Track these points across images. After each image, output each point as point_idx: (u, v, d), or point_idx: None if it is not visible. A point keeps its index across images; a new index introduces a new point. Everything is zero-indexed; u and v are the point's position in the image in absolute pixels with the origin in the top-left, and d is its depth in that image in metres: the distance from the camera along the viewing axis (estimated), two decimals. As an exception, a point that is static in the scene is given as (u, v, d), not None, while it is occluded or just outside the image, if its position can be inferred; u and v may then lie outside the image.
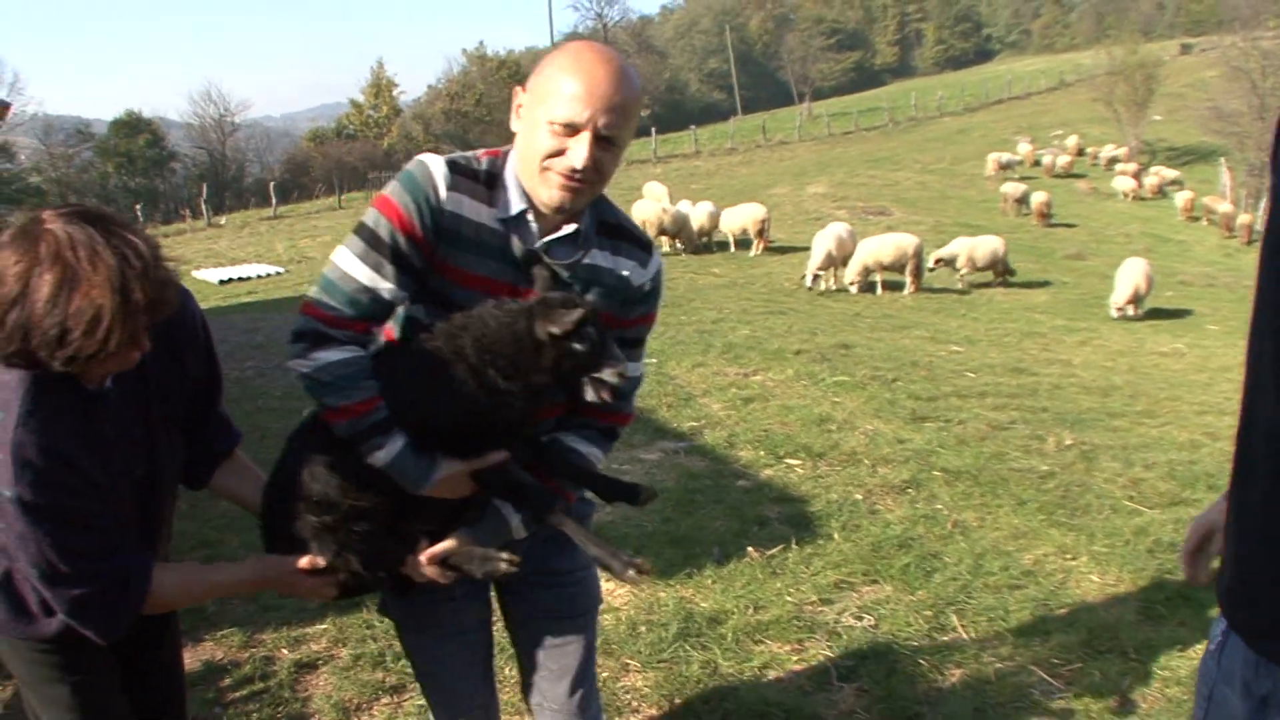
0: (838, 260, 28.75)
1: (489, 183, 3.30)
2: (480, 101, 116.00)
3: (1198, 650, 6.14)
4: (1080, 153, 69.20)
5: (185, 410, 3.60)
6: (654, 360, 14.74)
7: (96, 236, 2.82)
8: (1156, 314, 26.76)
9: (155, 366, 3.32)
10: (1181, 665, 6.09)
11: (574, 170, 3.12)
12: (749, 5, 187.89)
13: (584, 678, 3.85)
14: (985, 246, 29.92)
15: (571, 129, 3.09)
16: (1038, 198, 45.82)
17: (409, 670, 5.72)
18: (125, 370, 3.17)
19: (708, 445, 10.93)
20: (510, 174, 3.31)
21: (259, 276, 33.65)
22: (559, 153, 3.12)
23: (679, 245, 35.61)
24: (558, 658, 3.80)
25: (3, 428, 2.93)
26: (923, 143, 74.52)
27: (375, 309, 3.25)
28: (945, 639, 6.46)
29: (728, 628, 6.56)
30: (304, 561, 3.33)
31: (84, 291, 2.76)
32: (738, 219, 36.04)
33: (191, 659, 6.33)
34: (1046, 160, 63.88)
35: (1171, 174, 61.09)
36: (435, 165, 3.25)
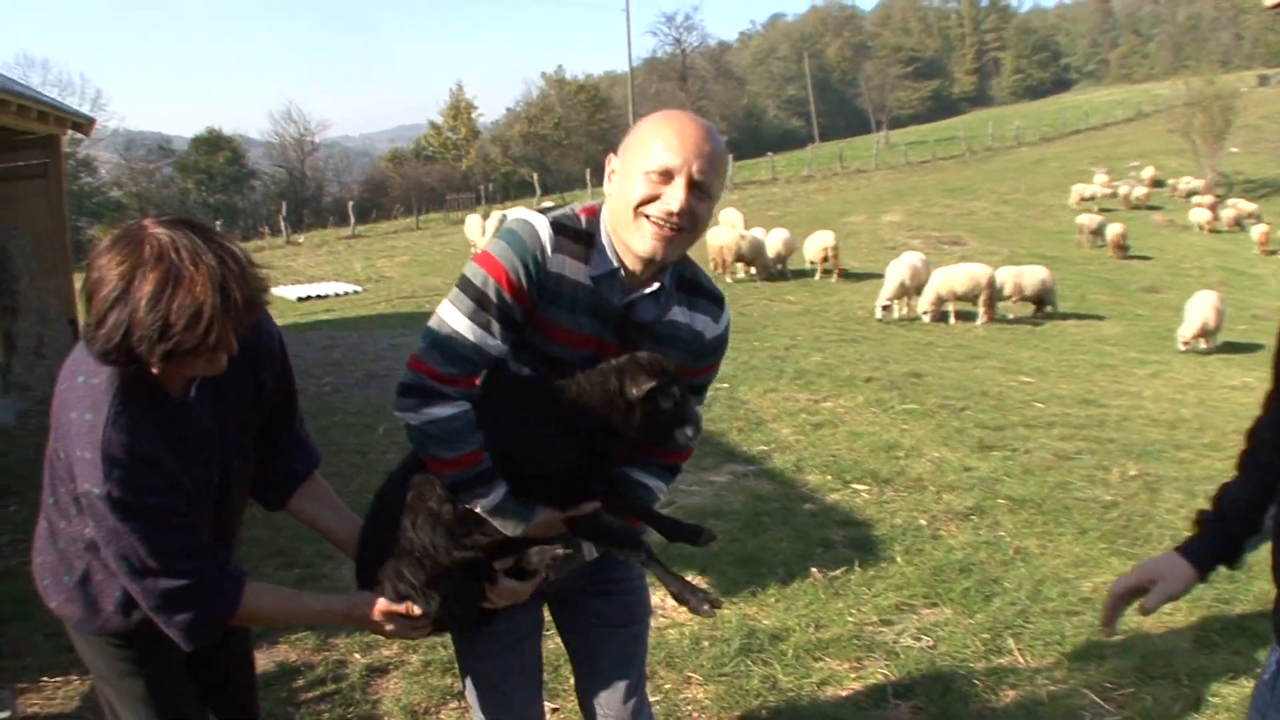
0: (910, 290, 28.75)
1: (587, 241, 3.45)
2: (559, 125, 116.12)
3: (1250, 679, 6.21)
4: (1157, 184, 68.77)
5: (260, 424, 3.78)
6: (726, 385, 14.95)
7: (197, 240, 3.03)
8: (1229, 348, 26.54)
9: (232, 379, 3.50)
10: (1232, 693, 6.16)
11: (670, 214, 3.27)
12: (827, 32, 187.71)
13: (637, 684, 4.01)
14: (1033, 276, 29.70)
15: (667, 176, 3.27)
16: (1114, 229, 45.45)
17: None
18: (206, 378, 3.39)
19: (776, 469, 11.12)
20: (604, 232, 3.48)
21: (336, 294, 33.99)
22: (654, 198, 3.29)
23: (753, 272, 35.69)
24: (613, 665, 3.95)
25: (92, 428, 3.14)
26: (999, 172, 74.27)
27: (481, 364, 3.41)
28: (1001, 661, 6.59)
29: (788, 644, 6.73)
30: (399, 607, 3.50)
31: (187, 289, 2.95)
32: (807, 247, 36.14)
33: (266, 660, 6.62)
34: (1123, 191, 63.65)
35: (1249, 207, 60.46)
36: (541, 227, 3.40)
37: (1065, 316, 30.64)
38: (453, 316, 3.37)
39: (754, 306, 29.34)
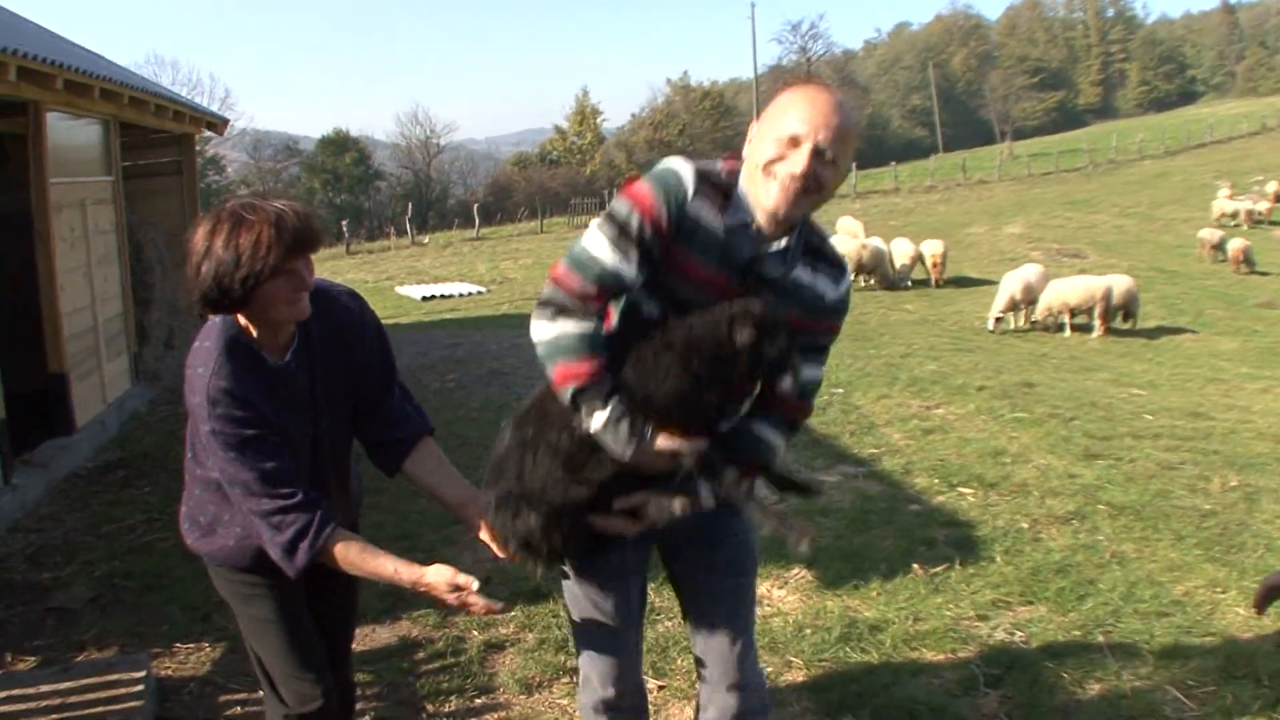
0: (1022, 303, 28.84)
1: (725, 192, 3.77)
2: (683, 131, 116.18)
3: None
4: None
5: (354, 395, 4.37)
6: (840, 390, 15.28)
7: (258, 201, 3.80)
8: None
9: (324, 353, 4.19)
10: None
11: (794, 175, 3.59)
12: (952, 42, 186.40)
13: (744, 631, 4.29)
14: (1120, 285, 29.65)
15: (795, 142, 3.60)
16: (1235, 244, 45.12)
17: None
18: (304, 352, 4.12)
19: (885, 471, 11.41)
20: (742, 188, 3.78)
21: (461, 295, 34.48)
22: (781, 158, 3.62)
23: (873, 281, 35.95)
24: (721, 612, 4.24)
25: (201, 379, 3.85)
26: (1121, 185, 73.61)
27: (614, 289, 3.74)
28: (1091, 658, 6.82)
29: (887, 635, 7.04)
30: (462, 579, 3.92)
31: (249, 227, 3.69)
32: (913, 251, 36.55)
33: (389, 634, 7.22)
34: (1245, 207, 63.08)
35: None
36: (686, 172, 3.74)
37: (1158, 331, 30.62)
38: (596, 241, 3.72)
39: (872, 315, 29.61)
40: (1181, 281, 39.84)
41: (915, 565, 8.40)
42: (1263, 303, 36.85)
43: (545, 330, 3.75)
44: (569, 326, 3.70)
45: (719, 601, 4.28)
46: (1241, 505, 10.48)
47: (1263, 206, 61.27)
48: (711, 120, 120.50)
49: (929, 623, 7.32)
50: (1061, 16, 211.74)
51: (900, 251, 36.68)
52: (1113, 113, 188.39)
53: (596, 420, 3.69)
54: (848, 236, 39.44)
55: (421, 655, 6.92)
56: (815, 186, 3.65)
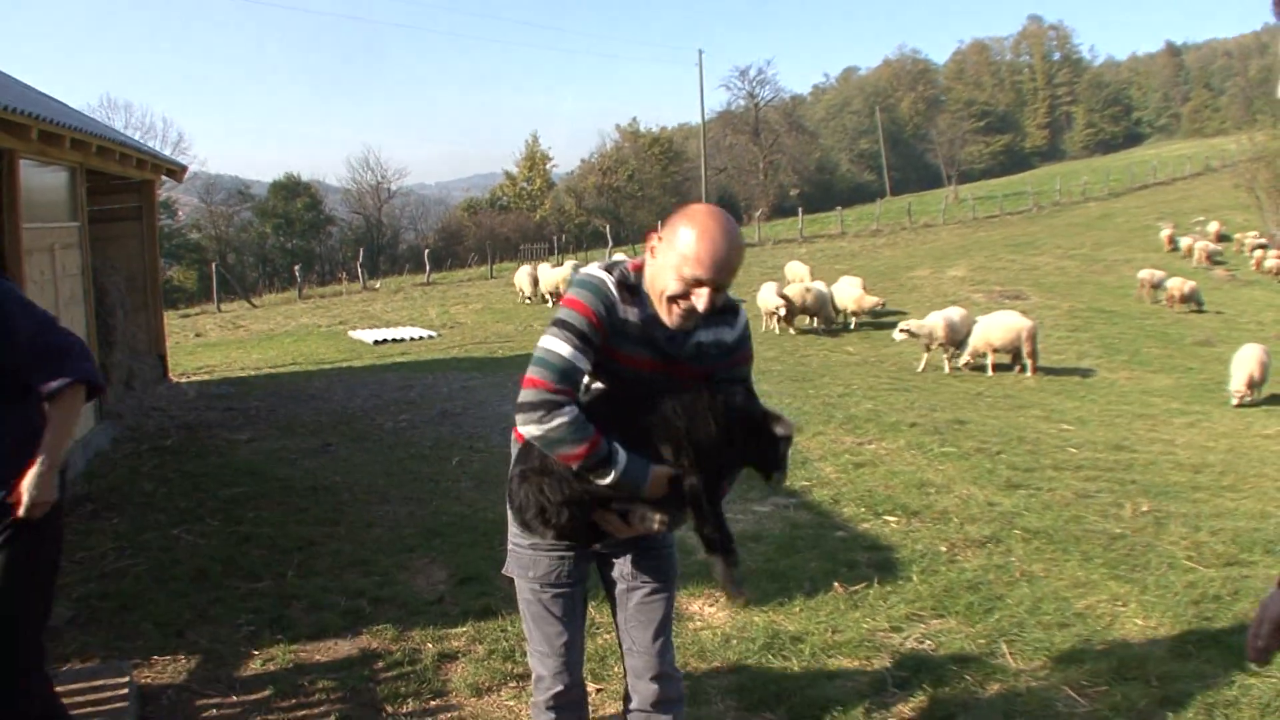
0: (943, 341, 29.39)
1: (634, 291, 4.55)
2: (632, 177, 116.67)
3: (1216, 683, 7.09)
4: (1223, 239, 68.84)
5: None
6: (778, 429, 15.85)
7: None
8: (1275, 399, 27.05)
9: None
10: (1199, 694, 6.95)
11: (696, 310, 4.42)
12: (900, 86, 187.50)
13: (664, 628, 5.01)
14: (1000, 326, 29.81)
15: (698, 283, 4.36)
16: (1174, 283, 45.82)
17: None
18: None
19: (815, 501, 12.06)
20: (645, 285, 4.57)
21: (412, 339, 34.80)
22: (684, 295, 4.39)
23: (816, 322, 36.65)
24: (647, 611, 4.96)
25: None
26: (1065, 228, 74.29)
27: (577, 379, 4.42)
28: (993, 662, 7.46)
29: (806, 645, 7.67)
30: None
31: None
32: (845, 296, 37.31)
33: (351, 647, 7.86)
34: (1184, 244, 63.84)
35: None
36: (609, 281, 4.52)
37: (1093, 369, 31.26)
38: (557, 345, 4.39)
39: (814, 357, 30.34)
40: (1121, 321, 40.49)
41: (836, 584, 9.02)
42: (1200, 341, 37.48)
43: (539, 429, 4.36)
44: (560, 420, 4.33)
45: (644, 605, 4.99)
46: (1150, 529, 11.10)
47: (1204, 246, 62.10)
48: (660, 165, 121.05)
49: (846, 634, 7.94)
50: (1008, 60, 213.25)
51: (846, 292, 37.34)
52: (1059, 155, 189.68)
53: (609, 479, 4.37)
54: (795, 281, 40.16)
55: (381, 664, 7.50)
56: (696, 313, 4.48)
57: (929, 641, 7.87)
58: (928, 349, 29.65)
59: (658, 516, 4.47)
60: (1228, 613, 8.46)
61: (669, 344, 4.57)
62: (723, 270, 4.36)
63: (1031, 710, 6.78)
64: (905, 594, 8.89)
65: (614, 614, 5.16)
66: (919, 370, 28.98)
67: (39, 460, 5.00)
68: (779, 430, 4.57)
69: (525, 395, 4.42)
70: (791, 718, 6.66)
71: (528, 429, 4.41)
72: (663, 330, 4.55)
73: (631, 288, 4.57)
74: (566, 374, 4.38)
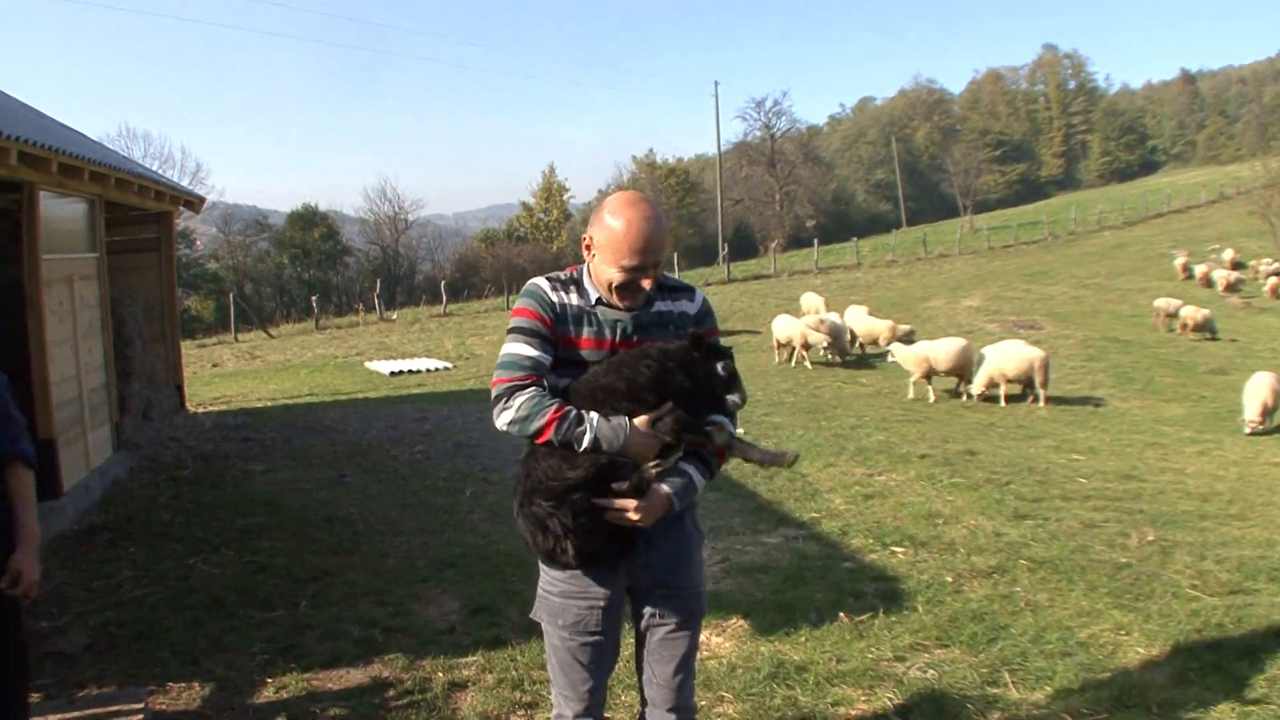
0: (941, 371, 29.44)
1: (576, 284, 4.98)
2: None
3: (1217, 709, 7.19)
4: (1238, 266, 68.83)
5: None
6: (789, 460, 15.96)
7: None
8: (1287, 429, 26.99)
9: None
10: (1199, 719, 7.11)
11: (641, 292, 4.85)
12: (916, 116, 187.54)
13: (685, 666, 5.14)
14: (1015, 357, 29.82)
15: (639, 269, 4.76)
16: (1188, 311, 45.92)
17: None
18: None
19: (824, 533, 12.17)
20: (587, 279, 5.00)
21: (428, 370, 35.11)
22: (627, 283, 4.79)
23: (834, 355, 36.71)
24: (670, 648, 5.10)
25: None
26: (1080, 257, 74.34)
27: (534, 368, 4.74)
28: (995, 691, 7.56)
29: (811, 674, 7.78)
30: None
31: None
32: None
33: (363, 675, 7.99)
34: (1199, 271, 63.87)
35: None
36: (543, 284, 4.98)
37: (1106, 399, 31.35)
38: (509, 346, 4.83)
39: (827, 388, 30.36)
40: (1135, 350, 40.52)
41: (842, 614, 9.13)
42: (1213, 369, 37.46)
43: (508, 415, 4.66)
44: (521, 397, 4.64)
45: (667, 641, 5.11)
46: (1156, 558, 11.18)
47: (1220, 274, 62.04)
48: (677, 197, 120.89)
49: (851, 663, 8.05)
50: (1024, 89, 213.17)
51: (857, 320, 37.48)
52: (1075, 184, 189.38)
53: (587, 438, 4.56)
54: (810, 312, 40.34)
55: (392, 693, 7.62)
56: (640, 290, 4.88)
57: (932, 671, 7.95)
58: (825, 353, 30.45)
59: (652, 464, 4.64)
60: (1231, 640, 8.54)
61: (616, 327, 4.92)
62: (654, 252, 4.77)
63: (1031, 737, 6.89)
64: (910, 624, 8.99)
65: (637, 645, 5.27)
66: (910, 398, 29.08)
67: (27, 541, 5.26)
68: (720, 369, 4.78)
69: (492, 395, 4.77)
70: (796, 746, 6.77)
71: (499, 421, 4.70)
72: (612, 313, 4.93)
73: (567, 281, 5.01)
74: (520, 364, 4.75)
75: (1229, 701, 7.36)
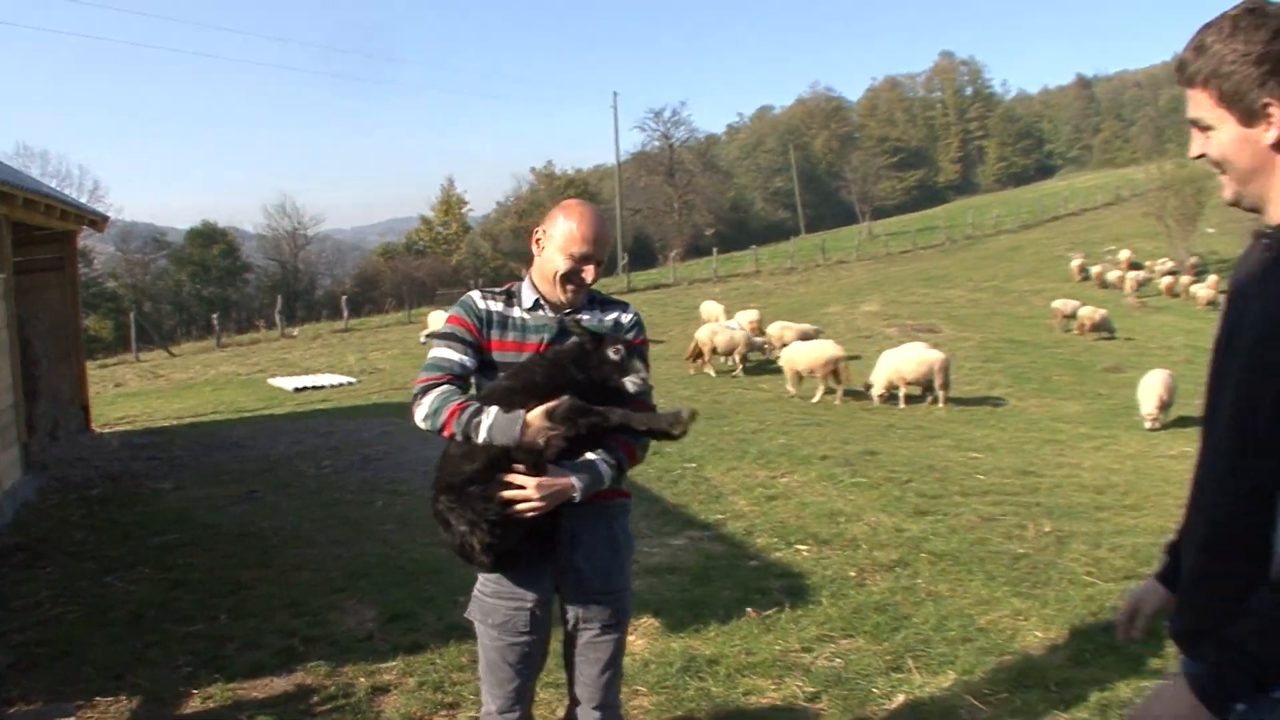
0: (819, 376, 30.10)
1: (508, 294, 5.26)
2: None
3: (1112, 686, 7.53)
4: (1134, 266, 69.84)
5: None
6: (693, 464, 16.29)
7: None
8: (1180, 421, 27.44)
9: None
10: (1095, 697, 7.38)
11: (584, 284, 5.12)
12: (814, 124, 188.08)
13: (611, 666, 5.35)
14: (913, 359, 30.50)
15: (585, 260, 5.04)
16: (1085, 312, 46.60)
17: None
18: None
19: (729, 533, 12.40)
20: (526, 285, 5.25)
21: (332, 386, 35.17)
22: (572, 273, 5.05)
23: (735, 361, 37.05)
24: (595, 650, 5.29)
25: None
26: (977, 260, 75.29)
27: (453, 370, 5.03)
28: (900, 676, 7.84)
29: (721, 666, 8.02)
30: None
31: None
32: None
33: (286, 683, 8.09)
34: (1095, 271, 64.85)
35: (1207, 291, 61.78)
36: (473, 292, 5.30)
37: (1004, 398, 31.81)
38: (433, 351, 5.14)
39: (728, 395, 30.84)
40: (1032, 350, 41.18)
41: (750, 610, 9.36)
42: (1109, 368, 38.07)
43: (422, 409, 4.91)
44: (431, 394, 4.90)
45: (597, 645, 5.30)
46: (1053, 548, 11.54)
47: (1115, 274, 63.12)
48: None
49: (759, 655, 8.29)
50: (921, 96, 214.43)
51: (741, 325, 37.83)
52: (972, 189, 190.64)
53: (484, 429, 4.75)
54: (710, 320, 40.73)
55: (316, 699, 7.76)
56: (584, 284, 5.17)
57: (839, 659, 8.22)
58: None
59: (550, 435, 4.77)
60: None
61: (541, 333, 5.17)
62: (600, 244, 5.11)
63: (935, 718, 7.17)
64: (816, 617, 9.24)
65: (566, 645, 5.45)
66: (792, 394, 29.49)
67: None
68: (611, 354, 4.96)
69: (413, 393, 5.04)
70: (708, 734, 7.02)
71: (415, 418, 4.97)
72: (544, 316, 5.20)
73: (499, 293, 5.30)
74: (439, 365, 5.05)
75: (1124, 678, 7.71)
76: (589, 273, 5.10)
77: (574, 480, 4.85)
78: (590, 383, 4.86)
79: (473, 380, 5.19)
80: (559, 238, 5.07)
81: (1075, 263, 66.81)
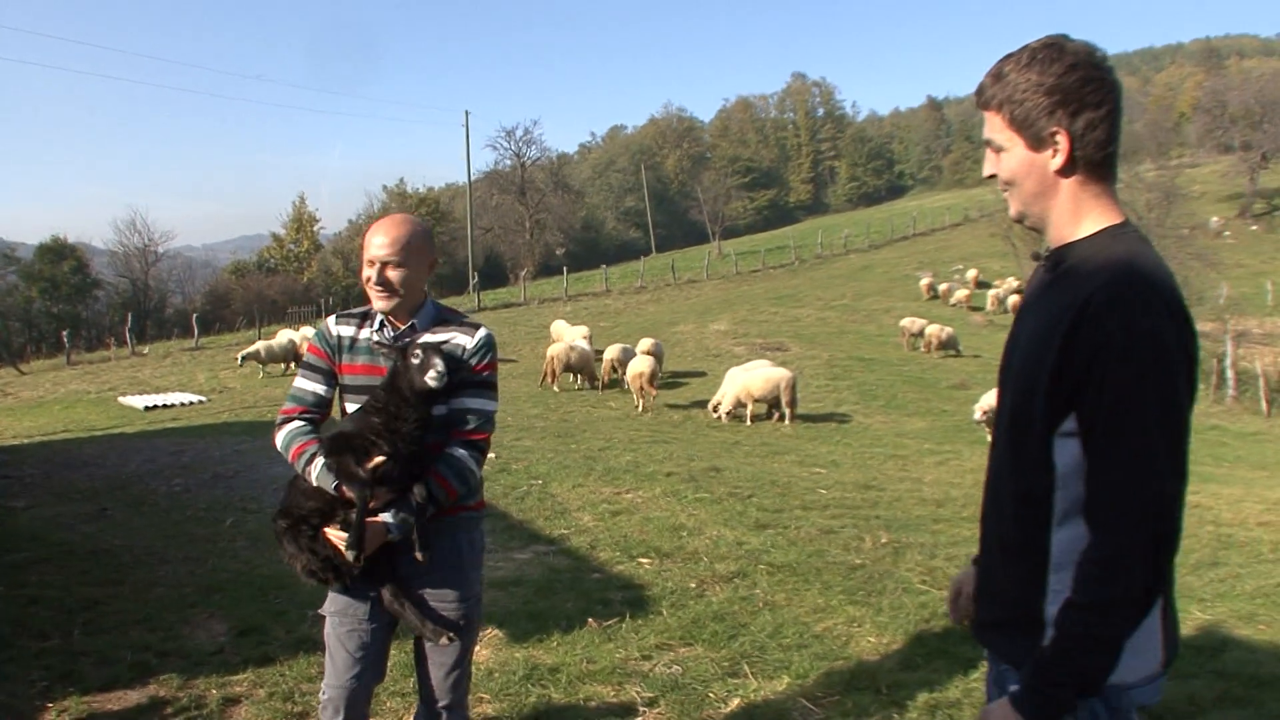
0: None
1: (363, 316, 5.51)
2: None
3: (942, 688, 7.89)
4: (982, 285, 70.98)
5: None
6: (539, 481, 16.49)
7: None
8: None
9: None
10: (925, 698, 7.72)
11: (391, 286, 5.28)
12: (666, 144, 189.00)
13: (457, 668, 5.61)
14: (760, 377, 30.93)
15: (371, 263, 5.30)
16: (932, 330, 47.27)
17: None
18: None
19: (573, 548, 12.64)
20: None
21: (182, 404, 35.05)
22: (369, 279, 5.31)
23: (581, 381, 37.60)
24: (440, 654, 5.54)
25: None
26: (826, 280, 76.02)
27: (310, 400, 5.48)
28: (736, 681, 8.12)
29: (563, 674, 8.25)
30: None
31: None
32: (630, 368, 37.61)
33: (140, 695, 8.16)
34: (941, 289, 65.90)
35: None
36: (330, 321, 5.59)
37: (849, 415, 32.37)
38: (295, 379, 5.55)
39: (576, 413, 31.11)
40: (879, 368, 41.72)
41: (591, 620, 9.61)
42: (955, 384, 38.72)
43: (279, 440, 5.40)
44: (285, 430, 5.42)
45: (441, 649, 5.54)
46: (889, 558, 11.96)
47: (962, 293, 64.25)
48: (427, 225, 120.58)
49: (600, 663, 8.54)
50: (773, 117, 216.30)
51: (614, 353, 37.93)
52: (823, 209, 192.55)
53: (315, 474, 5.17)
54: (558, 339, 41.07)
55: (169, 710, 7.87)
56: (394, 288, 5.31)
57: (677, 667, 8.49)
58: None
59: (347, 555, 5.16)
60: (955, 628, 9.19)
61: (386, 352, 5.34)
62: (397, 244, 5.27)
63: (769, 718, 7.47)
64: (655, 626, 9.52)
65: (416, 649, 5.73)
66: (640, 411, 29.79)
67: None
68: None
69: (278, 420, 5.52)
70: (549, 740, 7.29)
71: (277, 439, 5.44)
72: (386, 336, 5.42)
73: (355, 314, 5.59)
74: (297, 398, 5.50)
75: (953, 679, 8.11)
76: (392, 274, 5.26)
77: (388, 524, 5.19)
78: (409, 395, 5.11)
79: (333, 404, 5.55)
80: (365, 247, 5.35)
81: (924, 281, 67.85)
